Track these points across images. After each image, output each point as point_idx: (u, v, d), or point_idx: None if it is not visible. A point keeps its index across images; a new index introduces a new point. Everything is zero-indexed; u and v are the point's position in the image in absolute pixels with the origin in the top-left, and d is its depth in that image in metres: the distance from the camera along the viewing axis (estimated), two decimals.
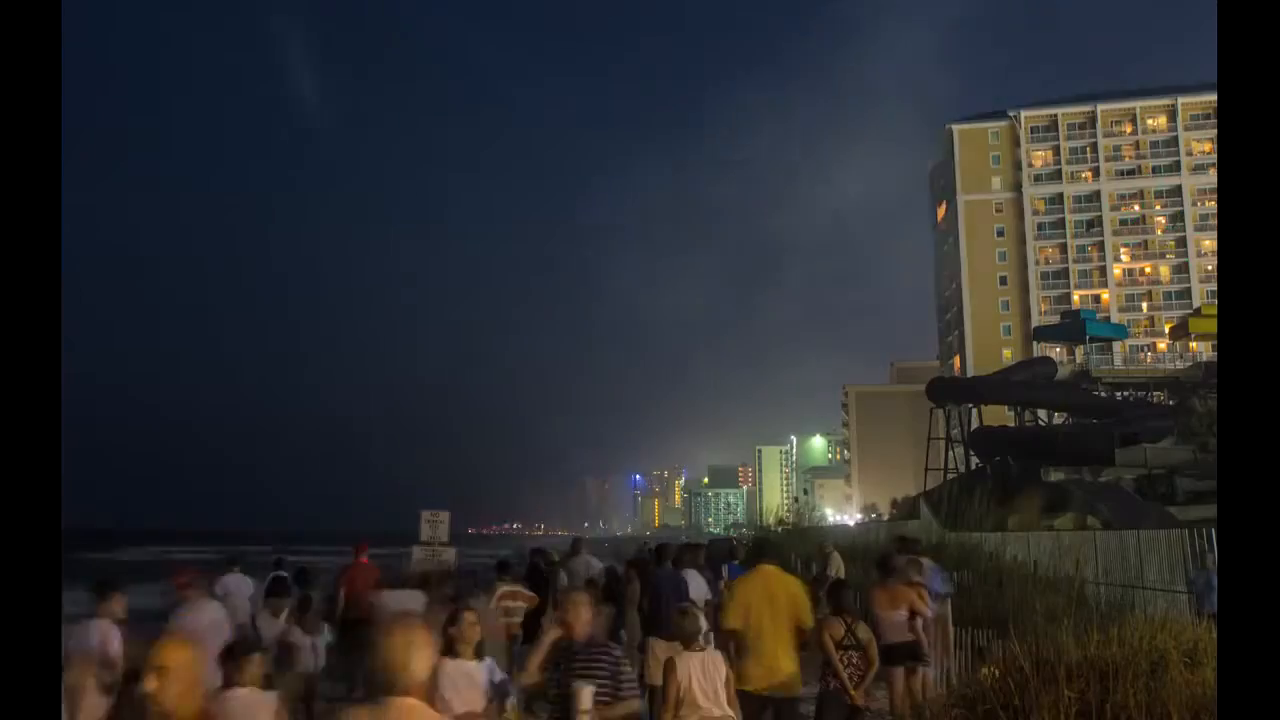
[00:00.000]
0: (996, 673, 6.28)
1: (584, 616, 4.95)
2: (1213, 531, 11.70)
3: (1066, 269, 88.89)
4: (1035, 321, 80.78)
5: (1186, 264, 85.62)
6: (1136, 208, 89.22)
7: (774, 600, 6.57)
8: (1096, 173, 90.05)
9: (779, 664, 6.44)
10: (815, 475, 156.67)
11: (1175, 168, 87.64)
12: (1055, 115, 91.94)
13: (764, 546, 7.93)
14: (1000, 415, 48.65)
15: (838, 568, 14.15)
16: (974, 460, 40.71)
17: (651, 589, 9.82)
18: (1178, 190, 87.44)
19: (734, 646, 6.58)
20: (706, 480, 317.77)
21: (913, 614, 8.70)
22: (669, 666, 5.58)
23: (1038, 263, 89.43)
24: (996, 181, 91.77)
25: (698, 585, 10.05)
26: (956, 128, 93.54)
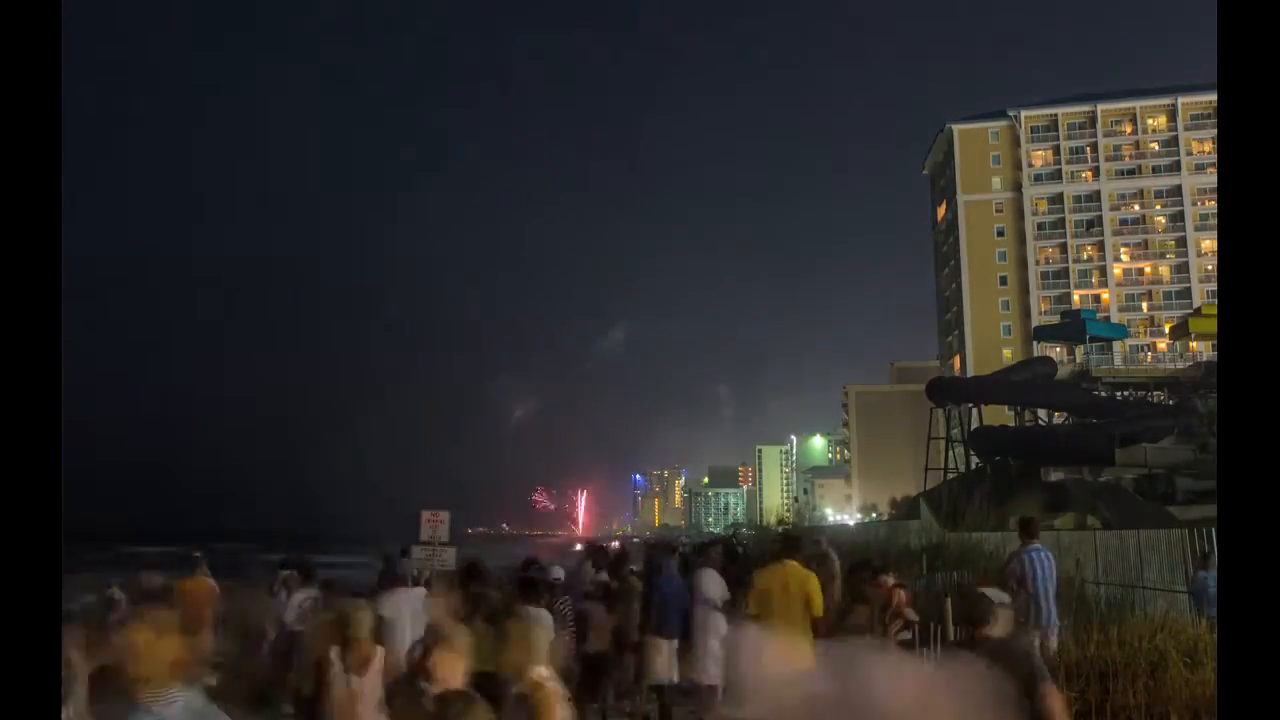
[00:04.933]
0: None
1: None
2: (1213, 531, 11.70)
3: (1066, 269, 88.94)
4: (1035, 321, 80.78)
5: (1186, 264, 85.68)
6: (1136, 208, 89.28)
7: (789, 591, 7.29)
8: (1096, 172, 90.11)
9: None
10: (815, 475, 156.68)
11: (1175, 168, 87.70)
12: (1055, 115, 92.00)
13: (791, 543, 8.20)
14: (1000, 415, 48.65)
15: (833, 565, 14.15)
16: (974, 460, 40.72)
17: (656, 590, 9.82)
18: (1178, 190, 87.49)
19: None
20: (706, 480, 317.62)
21: (894, 616, 8.84)
22: None
23: (1038, 263, 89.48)
24: (996, 181, 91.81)
25: (715, 584, 10.06)
26: (956, 128, 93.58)
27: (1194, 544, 11.97)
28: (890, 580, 9.36)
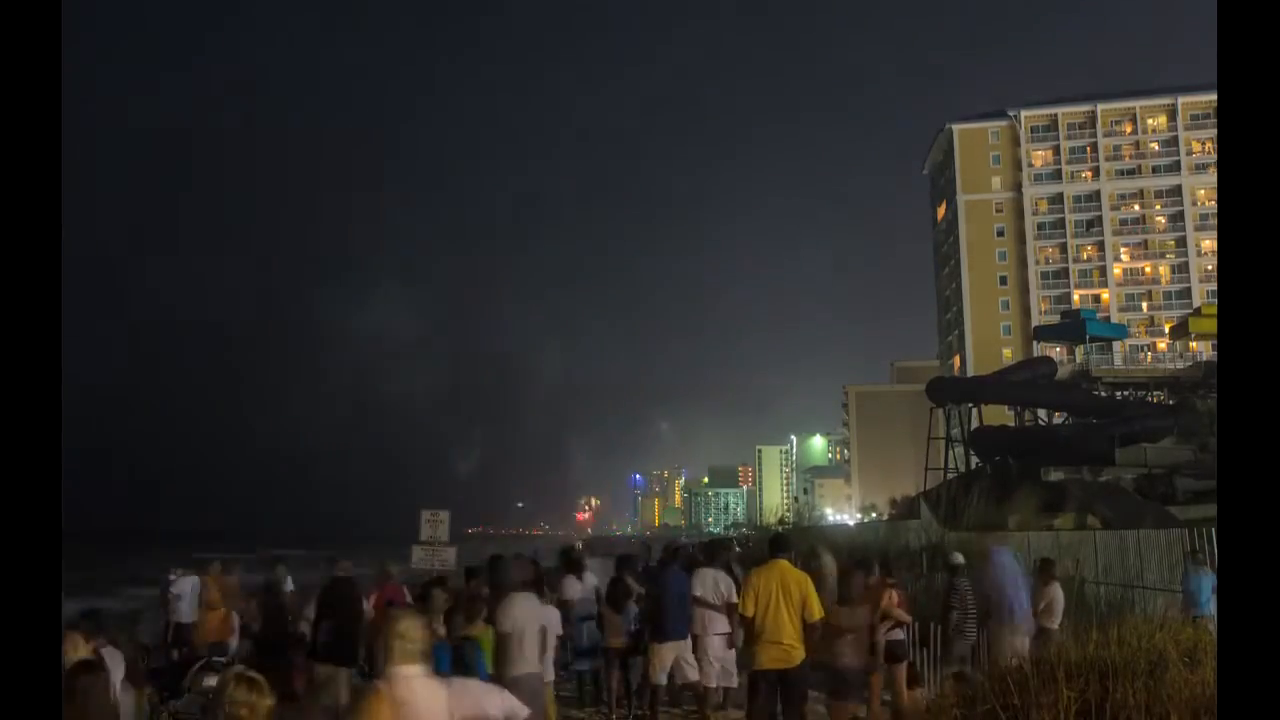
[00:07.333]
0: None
1: None
2: (1213, 531, 11.70)
3: (1066, 269, 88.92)
4: (1035, 321, 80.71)
5: (1186, 264, 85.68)
6: (1136, 207, 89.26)
7: (786, 592, 7.24)
8: (1096, 172, 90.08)
9: (788, 648, 7.17)
10: (815, 475, 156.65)
11: (1175, 168, 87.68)
12: (1055, 115, 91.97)
13: (780, 542, 8.20)
14: (1000, 415, 48.61)
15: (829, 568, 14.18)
16: (974, 460, 40.68)
17: (660, 592, 9.79)
18: (1178, 190, 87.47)
19: (746, 631, 7.48)
20: (706, 480, 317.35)
21: (883, 617, 8.85)
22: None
23: (1038, 262, 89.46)
24: (996, 181, 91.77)
25: (716, 585, 10.05)
26: (956, 128, 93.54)
27: (1194, 544, 11.97)
28: (878, 579, 9.34)
